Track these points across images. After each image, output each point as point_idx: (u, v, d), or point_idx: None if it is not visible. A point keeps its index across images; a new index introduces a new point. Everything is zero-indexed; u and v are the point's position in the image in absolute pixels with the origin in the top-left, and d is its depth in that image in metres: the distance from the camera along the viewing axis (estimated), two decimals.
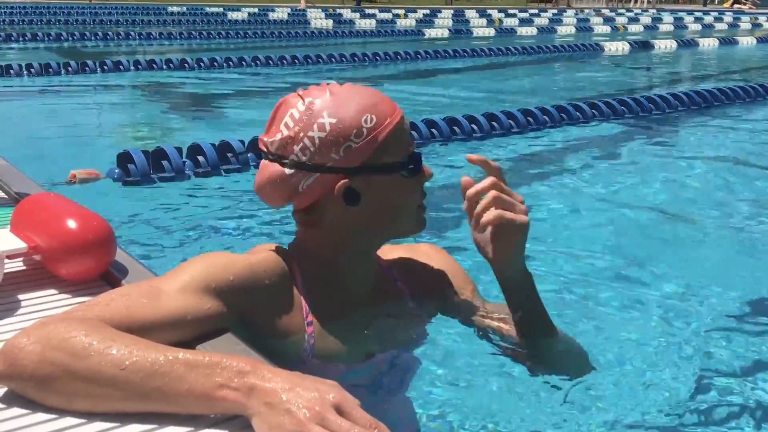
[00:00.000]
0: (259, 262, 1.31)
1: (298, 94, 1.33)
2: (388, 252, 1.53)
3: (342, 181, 1.29)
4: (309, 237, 1.39)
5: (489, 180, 1.30)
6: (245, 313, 1.26)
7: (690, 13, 32.13)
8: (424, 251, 1.57)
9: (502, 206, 1.29)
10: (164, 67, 11.05)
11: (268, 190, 1.33)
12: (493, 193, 1.29)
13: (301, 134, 1.28)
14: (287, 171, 1.29)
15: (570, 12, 28.70)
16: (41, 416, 1.00)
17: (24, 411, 1.02)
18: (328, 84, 1.34)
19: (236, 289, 1.23)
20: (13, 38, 16.17)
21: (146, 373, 0.97)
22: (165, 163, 4.70)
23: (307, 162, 1.28)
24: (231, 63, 11.67)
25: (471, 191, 1.30)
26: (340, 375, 1.09)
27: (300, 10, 26.24)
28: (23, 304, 1.44)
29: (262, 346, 1.22)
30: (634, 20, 26.76)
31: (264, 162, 1.34)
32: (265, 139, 1.33)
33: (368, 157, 1.30)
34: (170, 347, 1.02)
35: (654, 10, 33.07)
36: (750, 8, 39.38)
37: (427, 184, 1.41)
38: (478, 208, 1.29)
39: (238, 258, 1.29)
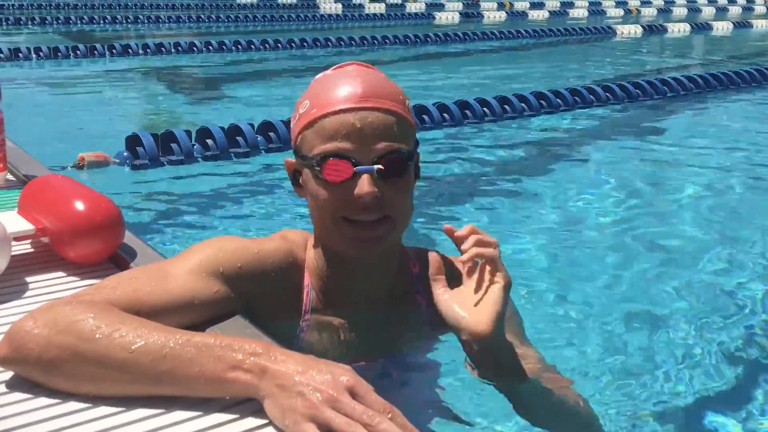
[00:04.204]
0: (269, 253, 1.26)
1: None
2: (429, 259, 1.37)
3: (289, 159, 1.30)
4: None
5: (468, 226, 1.20)
6: (248, 300, 1.24)
7: None
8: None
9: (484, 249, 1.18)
10: (173, 50, 11.02)
11: None
12: (475, 237, 1.18)
13: None
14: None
15: None
16: (45, 401, 0.98)
17: (28, 395, 1.00)
18: (343, 64, 1.29)
19: (243, 277, 1.21)
20: (22, 22, 16.15)
21: (156, 356, 0.95)
22: (174, 146, 4.68)
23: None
24: (240, 46, 11.62)
25: (457, 233, 1.20)
26: None
27: None
28: (31, 286, 1.42)
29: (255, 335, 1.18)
30: (647, 3, 26.44)
31: None
32: None
33: (295, 141, 1.26)
34: (180, 330, 1.00)
35: None
36: None
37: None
38: (462, 246, 1.19)
39: (249, 245, 1.26)
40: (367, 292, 1.33)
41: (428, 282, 1.34)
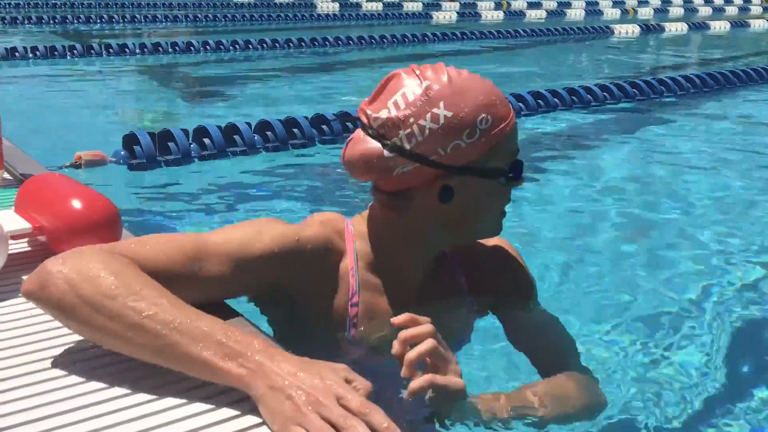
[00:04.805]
0: (308, 238, 1.27)
1: (416, 73, 1.23)
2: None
3: (442, 178, 1.23)
4: (383, 218, 1.33)
5: (427, 327, 1.08)
6: (285, 287, 1.25)
7: None
8: (495, 245, 1.48)
9: (438, 360, 1.08)
10: (170, 50, 11.00)
11: (359, 165, 1.25)
12: (430, 341, 1.06)
13: (411, 120, 1.20)
14: (386, 153, 1.22)
15: None
16: (45, 386, 0.99)
17: (22, 385, 1.00)
18: (446, 67, 1.25)
19: (279, 262, 1.21)
20: (18, 21, 16.12)
21: (163, 328, 0.96)
22: (171, 145, 4.67)
23: (410, 150, 1.21)
24: (237, 46, 11.60)
25: (405, 334, 1.07)
26: (375, 363, 1.08)
27: None
28: None
29: (302, 324, 1.22)
30: (644, 3, 26.48)
31: (361, 135, 1.26)
32: (369, 111, 1.24)
33: (474, 159, 1.23)
34: (193, 309, 1.01)
35: None
36: None
37: None
38: (411, 353, 1.06)
39: (288, 231, 1.25)
40: (414, 276, 1.36)
41: (463, 261, 1.43)
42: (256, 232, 1.22)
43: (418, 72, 1.23)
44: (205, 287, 1.14)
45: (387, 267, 1.34)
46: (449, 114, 1.19)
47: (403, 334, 1.06)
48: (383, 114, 1.22)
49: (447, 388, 1.08)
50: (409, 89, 1.21)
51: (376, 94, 1.26)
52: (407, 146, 1.20)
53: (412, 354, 1.05)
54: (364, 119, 1.26)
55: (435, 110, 1.19)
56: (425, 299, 1.37)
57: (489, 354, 1.72)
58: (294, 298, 1.28)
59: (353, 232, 1.34)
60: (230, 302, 1.24)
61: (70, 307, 1.00)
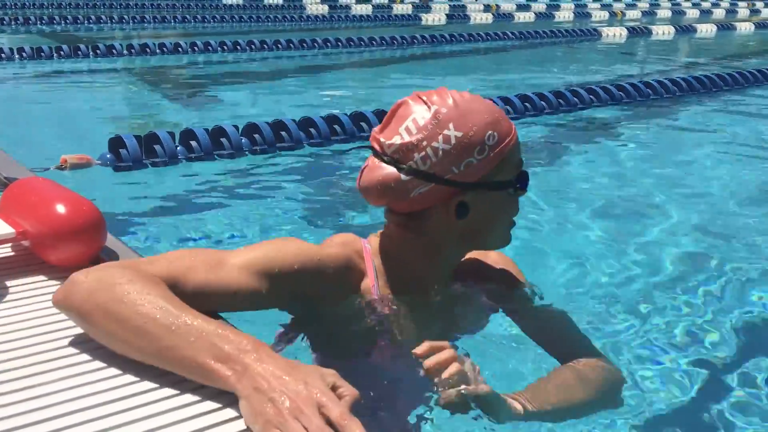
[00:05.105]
0: (329, 257, 1.32)
1: (422, 99, 1.31)
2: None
3: (457, 195, 1.31)
4: (399, 237, 1.40)
5: (449, 352, 1.16)
6: (308, 299, 1.30)
7: None
8: (493, 258, 1.59)
9: (464, 379, 1.16)
10: (158, 51, 10.95)
11: (377, 190, 1.33)
12: (455, 366, 1.15)
13: (425, 143, 1.28)
14: (403, 176, 1.30)
15: None
16: (45, 389, 0.99)
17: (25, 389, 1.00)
18: (449, 91, 1.33)
19: (298, 279, 1.25)
20: (4, 22, 16.00)
21: (164, 332, 1.00)
22: (158, 148, 4.65)
23: (426, 171, 1.29)
24: (225, 47, 11.57)
25: (429, 363, 1.14)
26: (401, 370, 1.17)
27: None
28: (11, 290, 1.41)
29: (327, 337, 1.30)
30: (631, 6, 26.65)
31: (375, 162, 1.33)
32: (382, 139, 1.32)
33: (485, 174, 1.31)
34: (192, 311, 1.03)
35: None
36: None
37: None
38: (444, 374, 1.14)
39: (309, 250, 1.30)
40: (434, 288, 1.44)
41: (469, 271, 1.51)
42: (277, 249, 1.27)
43: (424, 98, 1.31)
44: (225, 300, 1.18)
45: (406, 282, 1.40)
46: (459, 134, 1.27)
47: (428, 363, 1.13)
48: (396, 140, 1.30)
49: (476, 398, 1.16)
50: (419, 114, 1.30)
51: (386, 122, 1.34)
52: (423, 168, 1.28)
53: (431, 362, 1.13)
54: (377, 147, 1.33)
55: (446, 132, 1.27)
56: (445, 307, 1.45)
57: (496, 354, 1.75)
58: (318, 310, 1.34)
59: (370, 251, 1.41)
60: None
61: (87, 313, 1.06)
